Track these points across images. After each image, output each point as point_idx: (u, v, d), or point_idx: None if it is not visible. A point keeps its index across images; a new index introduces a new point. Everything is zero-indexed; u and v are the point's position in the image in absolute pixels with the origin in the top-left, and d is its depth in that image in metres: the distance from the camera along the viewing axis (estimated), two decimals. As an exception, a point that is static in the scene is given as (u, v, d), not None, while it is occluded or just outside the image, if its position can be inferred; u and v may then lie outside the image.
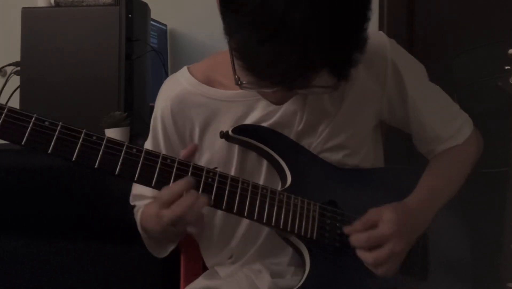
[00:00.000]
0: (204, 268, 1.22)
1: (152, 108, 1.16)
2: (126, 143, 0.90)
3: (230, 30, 0.85)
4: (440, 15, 1.96)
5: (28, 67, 1.65)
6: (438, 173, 1.10)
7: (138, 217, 1.14)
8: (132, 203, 1.17)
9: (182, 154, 0.98)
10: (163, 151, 1.09)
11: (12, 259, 1.59)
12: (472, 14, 1.90)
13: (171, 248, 1.14)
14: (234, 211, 0.95)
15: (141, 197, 1.13)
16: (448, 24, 1.95)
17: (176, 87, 1.09)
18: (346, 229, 0.98)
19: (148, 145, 1.13)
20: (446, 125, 1.12)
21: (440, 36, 1.95)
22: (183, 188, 0.91)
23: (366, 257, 0.96)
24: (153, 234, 1.09)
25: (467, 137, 1.12)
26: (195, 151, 0.99)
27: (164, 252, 1.15)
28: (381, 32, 1.10)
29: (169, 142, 1.10)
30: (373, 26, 1.92)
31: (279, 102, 0.98)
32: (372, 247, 0.95)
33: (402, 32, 1.96)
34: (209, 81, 1.09)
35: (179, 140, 1.10)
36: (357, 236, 0.96)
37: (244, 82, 0.91)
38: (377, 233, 0.95)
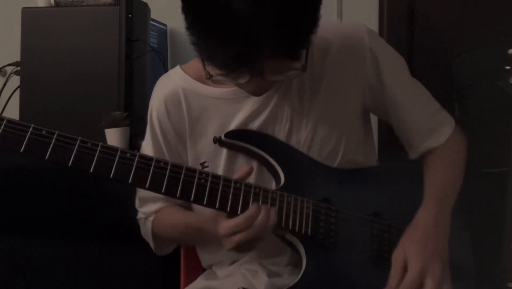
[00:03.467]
0: (204, 268, 1.22)
1: (152, 108, 1.16)
2: (120, 148, 0.93)
3: (187, 28, 0.89)
4: (440, 15, 1.96)
5: (28, 67, 1.65)
6: (438, 182, 1.09)
7: (148, 224, 1.15)
8: (139, 208, 1.17)
9: (236, 175, 0.99)
10: (163, 149, 1.11)
11: (11, 259, 1.59)
12: (472, 14, 1.91)
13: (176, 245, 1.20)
14: (228, 210, 0.96)
15: (149, 199, 1.14)
16: (448, 24, 1.95)
17: (169, 85, 1.11)
18: None
19: (147, 145, 1.13)
20: (426, 118, 1.12)
21: (440, 36, 1.95)
22: (255, 215, 0.93)
23: None
24: (176, 241, 1.17)
25: (450, 136, 1.12)
26: (250, 173, 1.00)
27: (168, 251, 1.20)
28: (361, 22, 1.10)
29: (167, 140, 1.11)
30: (373, 26, 1.94)
31: (256, 92, 0.99)
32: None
33: (402, 32, 1.95)
34: (201, 79, 1.09)
35: (177, 137, 1.10)
36: None
37: (213, 75, 0.93)
38: (412, 277, 0.94)
